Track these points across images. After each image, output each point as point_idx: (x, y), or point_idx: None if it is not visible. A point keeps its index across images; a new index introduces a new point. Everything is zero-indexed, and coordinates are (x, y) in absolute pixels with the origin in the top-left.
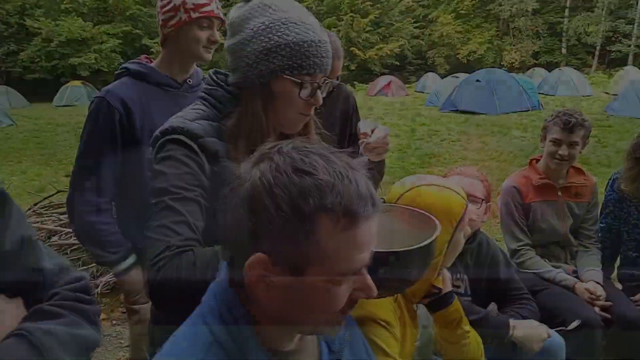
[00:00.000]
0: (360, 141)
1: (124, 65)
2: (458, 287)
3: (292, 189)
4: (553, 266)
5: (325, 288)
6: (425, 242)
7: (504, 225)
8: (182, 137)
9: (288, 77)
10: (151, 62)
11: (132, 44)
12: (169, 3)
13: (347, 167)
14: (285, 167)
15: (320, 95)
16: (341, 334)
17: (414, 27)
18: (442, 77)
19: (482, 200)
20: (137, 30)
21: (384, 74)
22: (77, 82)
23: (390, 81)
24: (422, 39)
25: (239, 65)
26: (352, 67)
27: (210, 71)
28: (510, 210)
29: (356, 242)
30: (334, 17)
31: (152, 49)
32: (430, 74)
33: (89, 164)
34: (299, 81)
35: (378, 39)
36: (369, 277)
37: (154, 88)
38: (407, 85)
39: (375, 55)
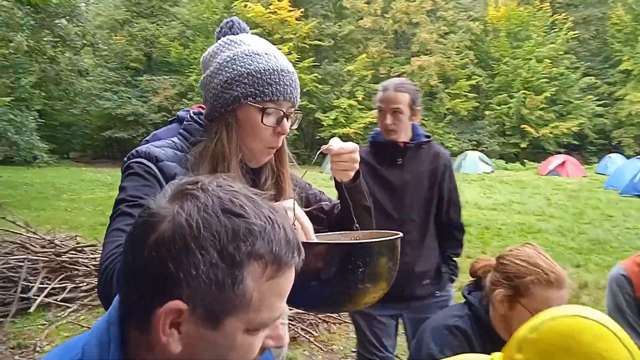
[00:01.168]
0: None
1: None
2: None
3: (223, 233)
4: None
5: (242, 339)
6: (376, 240)
7: None
8: (142, 160)
9: (251, 104)
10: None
11: (306, 117)
12: None
13: (273, 211)
14: (215, 208)
15: (287, 124)
16: None
17: (597, 105)
18: (628, 159)
19: None
20: (312, 105)
21: (559, 152)
22: None
23: (564, 160)
24: (607, 118)
25: (208, 97)
26: (523, 145)
27: (191, 109)
28: (617, 304)
29: (280, 290)
30: (506, 95)
31: (323, 122)
32: (614, 154)
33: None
34: (261, 107)
35: (554, 116)
36: (279, 323)
37: None
38: (586, 167)
39: (550, 133)
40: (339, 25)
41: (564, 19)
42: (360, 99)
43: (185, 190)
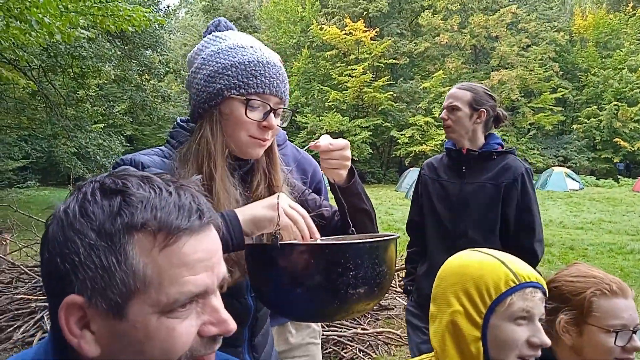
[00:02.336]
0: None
1: None
2: None
3: (99, 213)
4: None
5: (158, 324)
6: (368, 240)
7: None
8: (127, 167)
9: (234, 96)
10: None
11: (381, 136)
12: None
13: (170, 183)
14: (94, 193)
15: (273, 119)
16: None
17: None
18: None
19: None
20: (387, 123)
21: None
22: None
23: None
24: None
25: (192, 94)
26: (616, 160)
27: (177, 117)
28: None
29: (183, 259)
30: (595, 107)
31: (398, 140)
32: None
33: None
34: (244, 99)
35: None
36: (221, 305)
37: None
38: None
39: None
40: (415, 42)
41: None
42: (437, 115)
43: (75, 187)
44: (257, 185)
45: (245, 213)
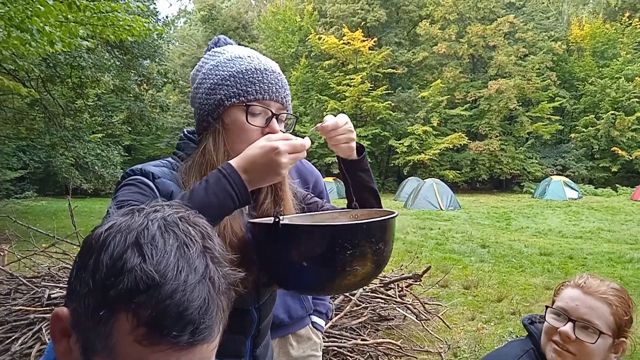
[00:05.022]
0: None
1: None
2: None
3: (110, 263)
4: None
5: None
6: (362, 221)
7: None
8: (138, 177)
9: (235, 104)
10: None
11: (379, 145)
12: None
13: (198, 258)
14: (125, 230)
15: (276, 124)
16: None
17: None
18: None
19: (604, 334)
20: (385, 133)
21: None
22: (329, 179)
23: None
24: None
25: (195, 107)
26: (614, 169)
27: (184, 129)
28: None
29: None
30: (592, 116)
31: (397, 149)
32: None
33: None
34: (244, 105)
35: None
36: None
37: None
38: None
39: None
40: (413, 52)
41: None
42: (435, 124)
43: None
44: (263, 198)
45: (247, 170)
